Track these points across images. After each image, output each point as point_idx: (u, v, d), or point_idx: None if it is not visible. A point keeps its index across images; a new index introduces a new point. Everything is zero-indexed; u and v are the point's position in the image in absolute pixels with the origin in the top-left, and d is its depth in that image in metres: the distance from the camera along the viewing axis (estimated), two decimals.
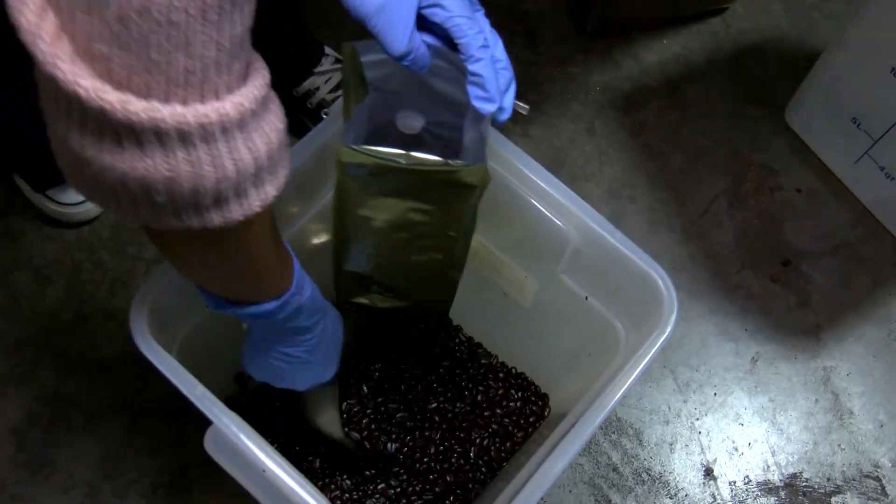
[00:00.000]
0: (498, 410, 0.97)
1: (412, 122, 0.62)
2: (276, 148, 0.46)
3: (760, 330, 1.13)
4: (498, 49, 0.60)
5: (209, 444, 0.68)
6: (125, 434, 1.00)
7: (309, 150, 0.74)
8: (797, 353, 1.12)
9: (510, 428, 0.97)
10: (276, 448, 0.92)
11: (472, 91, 0.58)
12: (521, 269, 0.85)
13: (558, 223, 0.75)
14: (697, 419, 1.07)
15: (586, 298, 0.80)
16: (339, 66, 1.18)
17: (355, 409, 0.91)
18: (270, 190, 0.48)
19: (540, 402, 0.98)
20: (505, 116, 0.61)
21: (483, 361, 1.00)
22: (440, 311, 0.82)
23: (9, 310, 1.06)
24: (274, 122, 0.46)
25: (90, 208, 1.10)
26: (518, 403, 0.98)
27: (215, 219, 0.45)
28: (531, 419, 0.97)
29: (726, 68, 1.33)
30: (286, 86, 1.17)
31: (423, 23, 0.57)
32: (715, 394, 1.08)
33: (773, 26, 1.38)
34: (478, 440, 0.95)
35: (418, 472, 0.93)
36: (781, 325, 1.13)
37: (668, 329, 0.68)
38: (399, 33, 0.56)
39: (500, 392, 0.98)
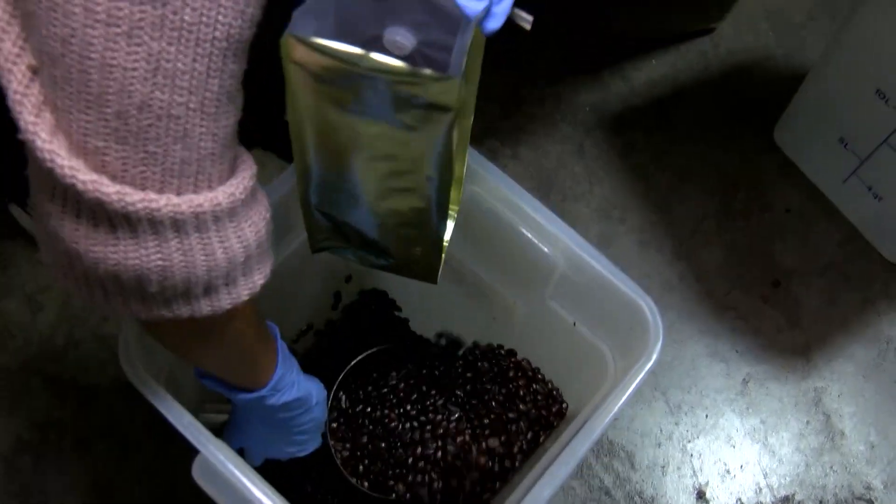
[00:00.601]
0: (521, 407, 0.90)
1: (401, 41, 0.52)
2: (265, 237, 0.47)
3: (751, 350, 1.13)
4: None
5: (197, 473, 0.68)
6: (117, 459, 1.00)
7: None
8: (788, 374, 1.12)
9: (533, 431, 0.89)
10: (267, 473, 0.91)
11: None
12: (508, 294, 0.85)
13: (545, 249, 0.75)
14: (689, 441, 1.07)
15: (574, 324, 0.80)
16: None
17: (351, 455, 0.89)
18: (258, 279, 0.48)
19: (561, 404, 0.91)
20: (495, 25, 0.49)
21: (505, 355, 0.92)
22: (427, 276, 0.74)
23: (0, 336, 1.06)
24: (262, 211, 0.47)
25: None
26: (540, 399, 0.91)
27: (204, 308, 0.46)
28: (553, 421, 0.90)
29: (715, 88, 1.34)
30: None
31: None
32: (706, 416, 1.08)
33: (761, 46, 1.39)
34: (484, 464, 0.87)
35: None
36: (772, 345, 1.13)
37: (654, 357, 0.68)
38: None
39: (521, 384, 0.91)
